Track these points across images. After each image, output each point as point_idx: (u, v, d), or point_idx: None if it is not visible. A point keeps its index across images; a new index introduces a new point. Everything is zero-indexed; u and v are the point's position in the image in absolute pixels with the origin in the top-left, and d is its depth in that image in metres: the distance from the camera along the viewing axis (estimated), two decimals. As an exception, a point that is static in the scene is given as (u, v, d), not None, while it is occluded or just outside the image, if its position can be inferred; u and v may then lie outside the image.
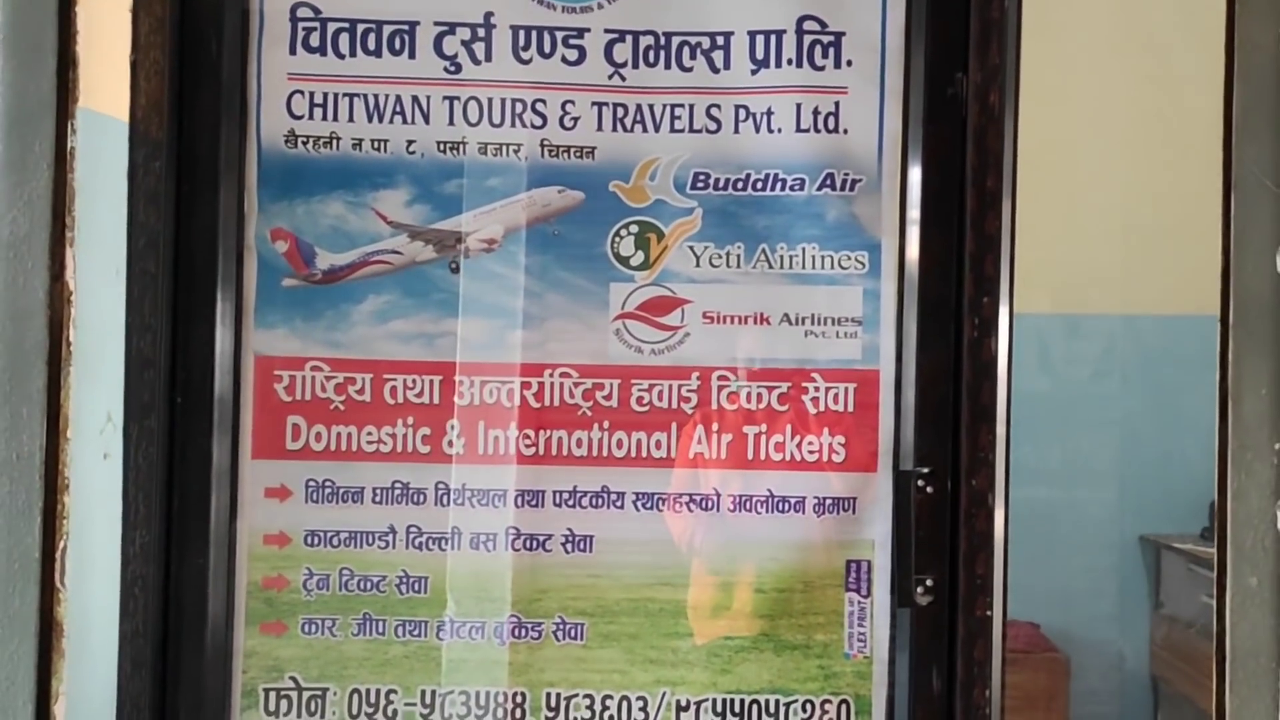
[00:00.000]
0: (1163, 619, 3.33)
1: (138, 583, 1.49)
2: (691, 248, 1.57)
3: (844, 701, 1.58)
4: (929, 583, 1.56)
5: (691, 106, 1.56)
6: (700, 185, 1.57)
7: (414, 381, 1.56)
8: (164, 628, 1.52)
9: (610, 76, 1.56)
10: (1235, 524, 1.39)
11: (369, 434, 1.56)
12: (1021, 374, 3.39)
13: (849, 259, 1.57)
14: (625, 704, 1.58)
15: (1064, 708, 2.97)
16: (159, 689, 1.51)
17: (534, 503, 1.58)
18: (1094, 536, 3.36)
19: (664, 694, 1.58)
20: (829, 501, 1.59)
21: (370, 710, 1.58)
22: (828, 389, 1.58)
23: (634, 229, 1.57)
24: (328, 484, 1.57)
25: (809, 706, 1.58)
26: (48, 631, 1.34)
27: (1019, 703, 2.81)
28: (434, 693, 1.58)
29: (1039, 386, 3.31)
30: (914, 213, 1.56)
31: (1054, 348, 3.36)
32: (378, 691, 1.58)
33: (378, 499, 1.57)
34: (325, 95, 1.56)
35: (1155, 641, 3.35)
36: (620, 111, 1.56)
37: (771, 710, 1.58)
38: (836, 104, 1.56)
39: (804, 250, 1.57)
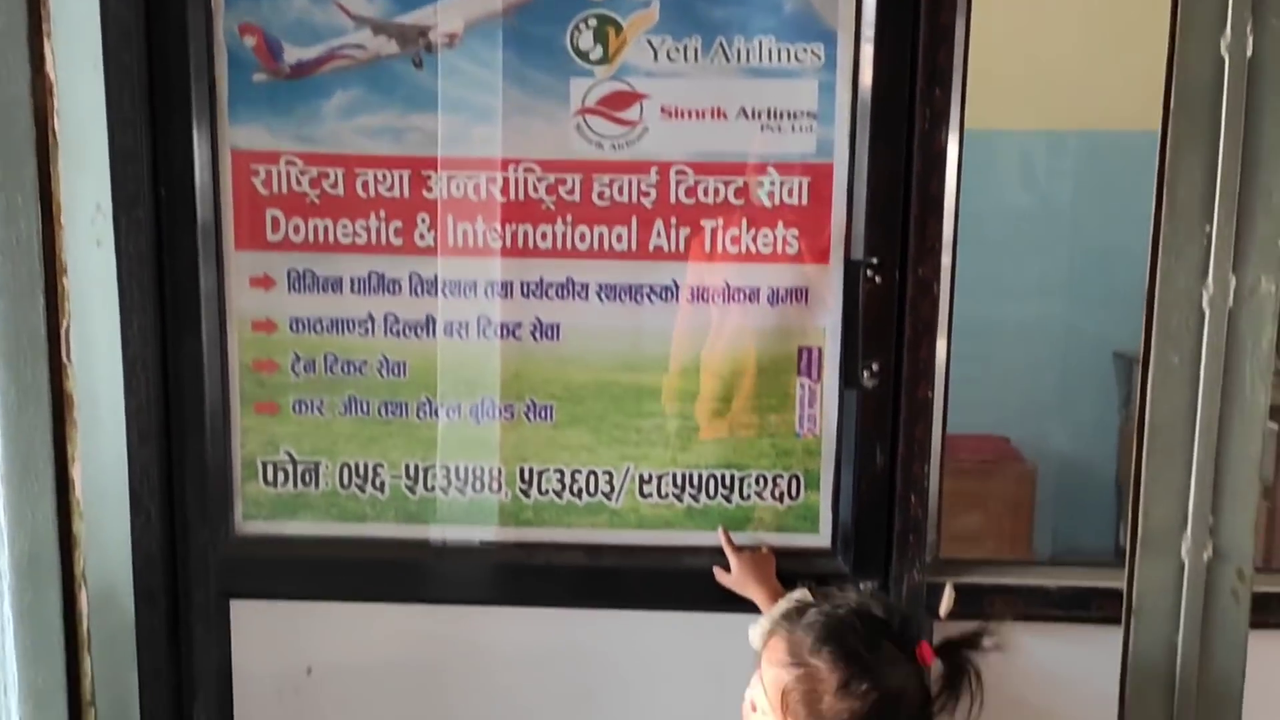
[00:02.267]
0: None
1: (138, 362, 1.55)
2: (649, 41, 1.54)
3: (794, 476, 1.64)
4: (875, 367, 1.58)
5: None
6: None
7: (384, 176, 1.57)
8: (165, 404, 1.58)
9: None
10: (1162, 305, 1.39)
11: (344, 226, 1.58)
12: (1002, 190, 3.30)
13: (805, 52, 1.53)
14: (593, 478, 1.65)
15: (1030, 515, 3.01)
16: (165, 459, 1.59)
17: (503, 293, 1.61)
18: (1070, 352, 3.34)
19: (628, 469, 1.64)
20: (782, 291, 1.61)
21: (360, 480, 1.65)
22: (782, 183, 1.57)
23: (592, 22, 1.53)
24: (308, 274, 1.60)
25: (762, 480, 1.64)
26: (59, 402, 1.41)
27: (989, 513, 2.85)
28: (417, 466, 1.65)
29: (1019, 202, 3.24)
30: (869, 5, 1.51)
31: (1035, 163, 3.27)
32: (366, 465, 1.65)
33: (356, 289, 1.60)
34: None
35: (1122, 451, 3.36)
36: None
37: (727, 484, 1.64)
38: None
39: (760, 43, 1.53)
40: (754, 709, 1.26)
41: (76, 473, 1.40)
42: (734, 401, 1.63)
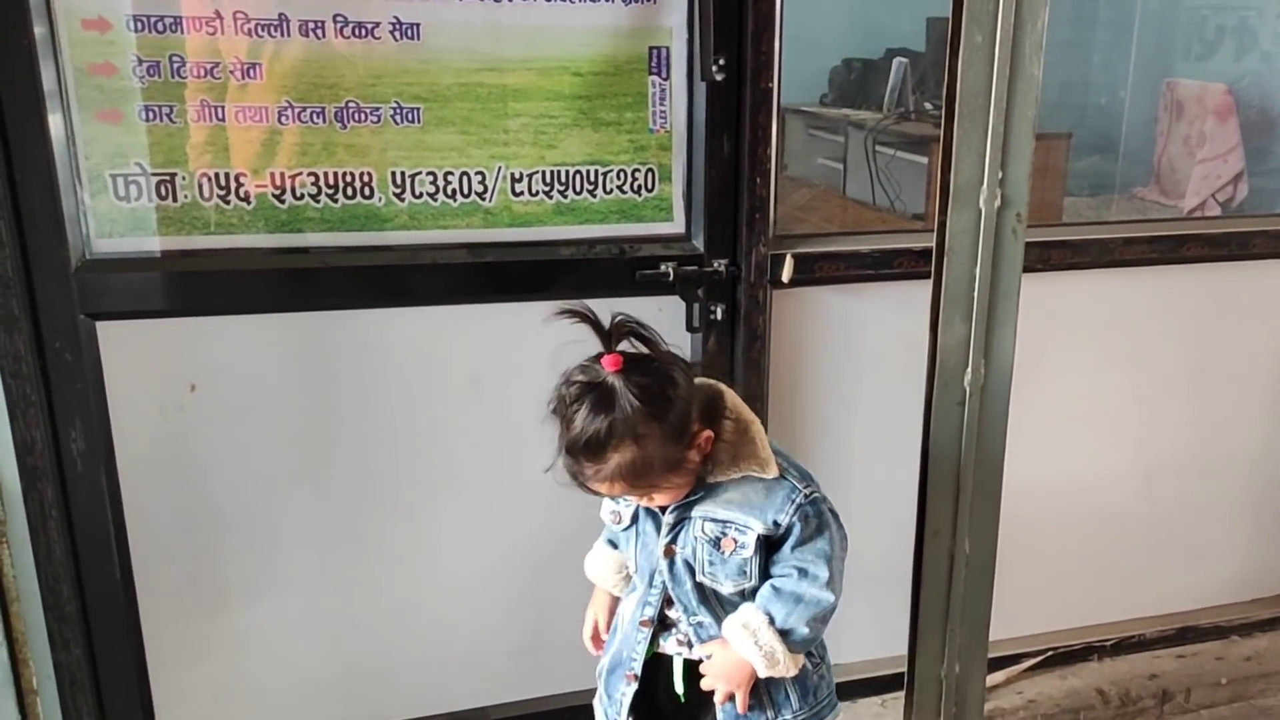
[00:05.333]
0: (785, 181, 3.42)
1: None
2: None
3: (650, 170, 1.77)
4: (722, 61, 1.71)
5: None
6: None
7: None
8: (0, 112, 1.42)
9: None
10: (968, -3, 1.63)
11: None
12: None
13: None
14: (465, 179, 1.69)
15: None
16: (8, 173, 1.43)
17: None
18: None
19: (499, 169, 1.69)
20: None
21: (222, 192, 1.59)
22: (639, -126, 1.60)
23: None
24: (145, -39, 1.45)
25: (622, 175, 1.76)
26: None
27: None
28: (283, 174, 1.60)
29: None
30: None
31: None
32: (227, 175, 1.58)
33: None
34: None
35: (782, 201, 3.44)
36: None
37: (591, 179, 1.75)
38: None
39: None
40: (651, 500, 1.33)
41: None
42: (595, 100, 1.71)
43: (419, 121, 1.64)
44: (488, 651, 1.92)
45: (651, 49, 1.72)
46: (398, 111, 1.63)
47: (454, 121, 1.66)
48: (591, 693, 2.04)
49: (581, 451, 1.24)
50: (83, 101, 1.49)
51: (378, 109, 1.62)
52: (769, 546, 1.35)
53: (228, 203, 1.59)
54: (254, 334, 1.64)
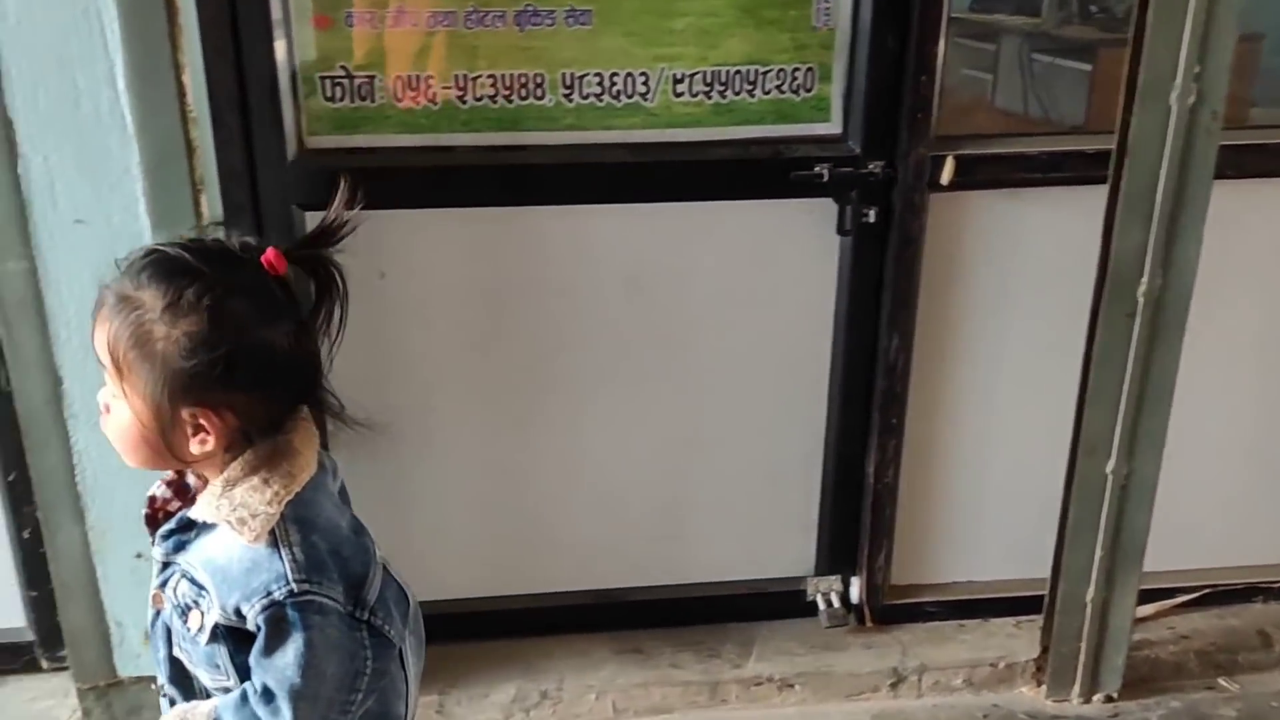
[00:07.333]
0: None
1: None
2: None
3: (810, 69, 1.87)
4: (892, -47, 1.77)
5: None
6: None
7: None
8: (234, 18, 1.68)
9: None
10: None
11: None
12: None
13: None
14: (630, 79, 1.84)
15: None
16: (239, 74, 1.70)
17: None
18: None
19: (662, 70, 1.84)
20: None
21: (412, 92, 1.81)
22: None
23: None
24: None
25: (781, 74, 1.87)
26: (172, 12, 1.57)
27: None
28: (466, 76, 1.81)
29: None
30: None
31: None
32: (417, 77, 1.80)
33: None
34: None
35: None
36: None
37: (751, 79, 1.86)
38: None
39: None
40: (107, 410, 1.04)
41: (188, 80, 1.53)
42: (758, -1, 1.82)
43: (590, 23, 1.81)
44: (628, 538, 2.11)
45: (819, -58, 1.80)
46: (571, 14, 1.79)
47: (621, 22, 1.81)
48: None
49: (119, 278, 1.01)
50: (299, 9, 1.74)
51: (552, 12, 1.79)
52: (243, 640, 1.03)
53: (418, 104, 1.82)
54: (436, 228, 1.87)
